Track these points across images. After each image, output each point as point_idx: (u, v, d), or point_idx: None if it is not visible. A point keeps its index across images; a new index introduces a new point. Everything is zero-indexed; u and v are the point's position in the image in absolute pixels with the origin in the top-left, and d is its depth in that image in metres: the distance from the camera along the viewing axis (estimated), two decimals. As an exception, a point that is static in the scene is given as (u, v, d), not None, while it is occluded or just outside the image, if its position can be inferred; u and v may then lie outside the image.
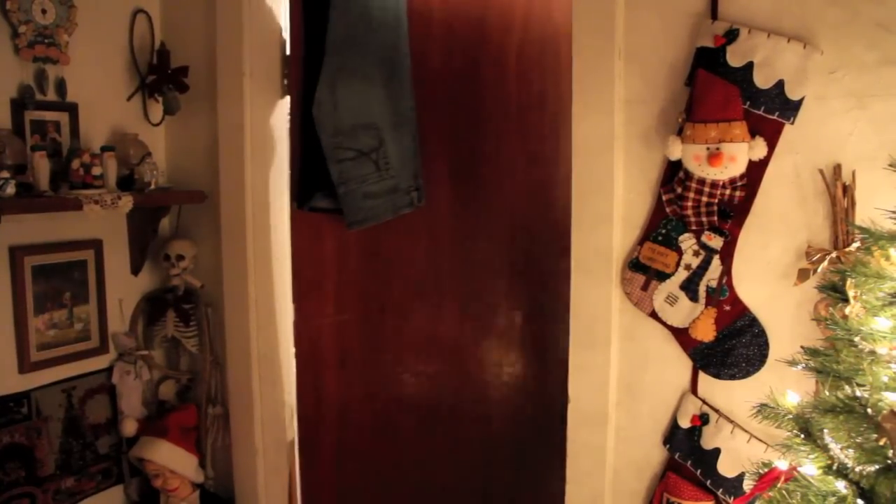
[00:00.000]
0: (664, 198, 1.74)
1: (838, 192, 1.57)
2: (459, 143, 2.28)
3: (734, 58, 1.62)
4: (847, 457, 1.19)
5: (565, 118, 1.89)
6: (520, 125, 2.23)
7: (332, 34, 2.10)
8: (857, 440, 1.17)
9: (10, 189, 1.71)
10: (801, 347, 1.41)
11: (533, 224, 2.26)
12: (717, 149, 1.61)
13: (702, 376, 1.75)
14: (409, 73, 2.17)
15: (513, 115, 2.23)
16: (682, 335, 1.75)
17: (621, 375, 1.84)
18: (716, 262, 1.71)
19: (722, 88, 1.61)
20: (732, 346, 1.69)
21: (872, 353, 1.19)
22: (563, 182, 2.03)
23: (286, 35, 2.28)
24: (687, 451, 1.75)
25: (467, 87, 2.24)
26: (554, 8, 2.17)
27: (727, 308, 1.70)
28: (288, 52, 2.24)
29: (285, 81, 2.27)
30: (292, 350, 2.40)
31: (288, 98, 2.29)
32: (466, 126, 2.26)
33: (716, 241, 1.70)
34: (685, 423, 1.75)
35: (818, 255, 1.59)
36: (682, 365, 1.77)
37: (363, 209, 2.11)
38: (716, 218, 1.69)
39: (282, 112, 2.27)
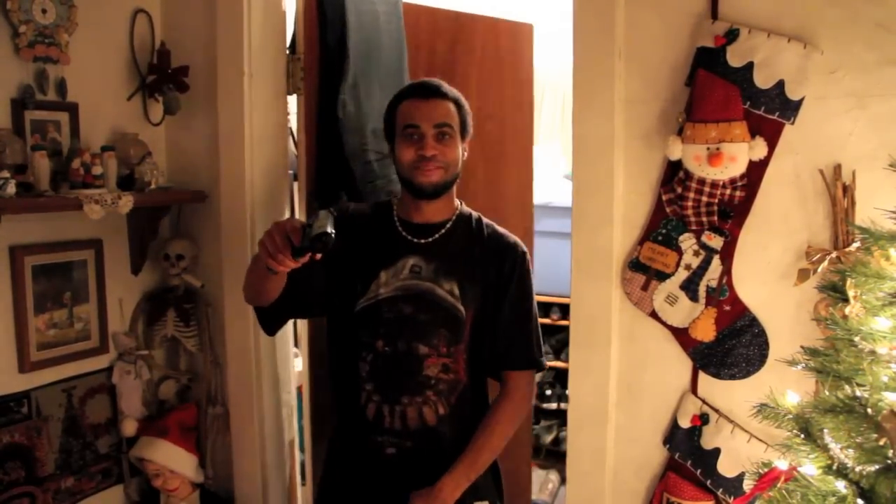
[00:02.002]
0: (664, 198, 1.75)
1: (838, 192, 1.58)
2: None
3: (734, 58, 1.62)
4: (847, 457, 1.19)
5: (509, 126, 2.65)
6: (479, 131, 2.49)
7: (351, 42, 2.21)
8: (857, 440, 1.17)
9: (10, 189, 1.71)
10: (801, 347, 1.41)
11: (490, 216, 2.43)
12: (718, 149, 1.61)
13: (702, 376, 1.75)
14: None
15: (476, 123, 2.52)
16: (682, 335, 1.76)
17: (621, 375, 1.84)
18: (716, 262, 1.71)
19: (722, 88, 1.61)
20: (732, 345, 1.70)
21: (872, 352, 1.19)
22: (509, 178, 2.70)
23: (288, 36, 2.29)
24: (687, 451, 1.75)
25: None
26: (501, 38, 2.67)
27: (727, 308, 1.71)
28: (298, 52, 2.25)
29: (291, 80, 2.27)
30: (293, 350, 2.40)
31: (291, 98, 2.30)
32: None
33: (716, 241, 1.70)
34: (685, 423, 1.75)
35: (818, 255, 1.59)
36: (682, 365, 1.77)
37: None
38: (716, 218, 1.69)
39: (282, 112, 2.27)
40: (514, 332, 1.80)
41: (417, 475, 1.71)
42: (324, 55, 2.26)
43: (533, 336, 1.82)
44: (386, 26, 2.32)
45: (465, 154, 1.80)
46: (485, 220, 1.87)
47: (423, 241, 1.76)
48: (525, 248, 1.84)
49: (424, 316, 1.71)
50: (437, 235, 1.77)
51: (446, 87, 1.79)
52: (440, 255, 1.75)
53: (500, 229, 1.88)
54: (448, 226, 1.79)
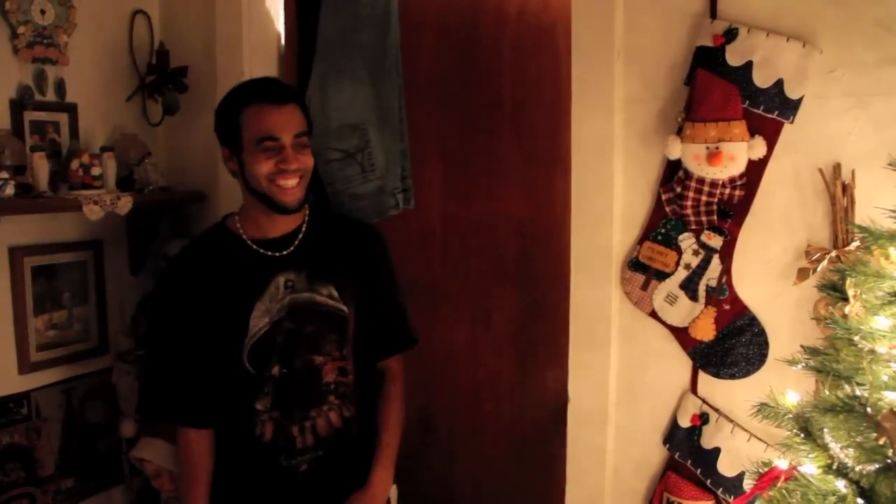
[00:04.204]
0: (664, 197, 1.75)
1: (838, 191, 1.58)
2: (452, 143, 2.24)
3: (733, 57, 1.62)
4: (847, 456, 1.19)
5: (564, 113, 1.88)
6: (515, 123, 2.19)
7: (323, 34, 2.11)
8: (857, 439, 1.17)
9: (10, 190, 1.71)
10: (801, 346, 1.41)
11: (529, 224, 2.20)
12: (717, 148, 1.61)
13: (702, 376, 1.75)
14: (398, 71, 2.13)
15: (507, 110, 2.19)
16: (681, 334, 1.76)
17: (621, 375, 1.84)
18: (715, 261, 1.71)
19: (721, 88, 1.61)
20: (732, 345, 1.70)
21: (872, 352, 1.19)
22: (561, 179, 2.04)
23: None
24: (687, 451, 1.75)
25: (461, 83, 2.21)
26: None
27: (727, 307, 1.71)
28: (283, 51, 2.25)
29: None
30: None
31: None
32: (459, 124, 2.23)
33: (715, 241, 1.70)
34: (685, 423, 1.75)
35: (818, 255, 1.59)
36: (681, 364, 1.77)
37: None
38: (715, 217, 1.69)
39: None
40: (390, 318, 1.79)
41: (330, 484, 1.69)
42: (300, 50, 2.22)
43: (405, 315, 1.83)
44: (369, 11, 2.10)
45: None
46: (332, 210, 1.81)
47: (285, 253, 1.66)
48: (381, 233, 1.81)
49: (311, 327, 1.65)
50: (296, 243, 1.67)
51: (290, 86, 1.67)
52: (308, 262, 1.66)
53: (353, 218, 1.83)
54: (304, 229, 1.69)
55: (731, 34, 1.62)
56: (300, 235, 1.68)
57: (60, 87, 1.96)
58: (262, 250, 1.66)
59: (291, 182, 1.59)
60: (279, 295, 1.64)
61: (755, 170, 1.64)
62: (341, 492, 1.70)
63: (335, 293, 1.67)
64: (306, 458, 1.67)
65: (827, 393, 1.26)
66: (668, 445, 1.79)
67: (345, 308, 1.68)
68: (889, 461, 1.13)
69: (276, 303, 1.63)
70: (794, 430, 1.30)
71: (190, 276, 1.68)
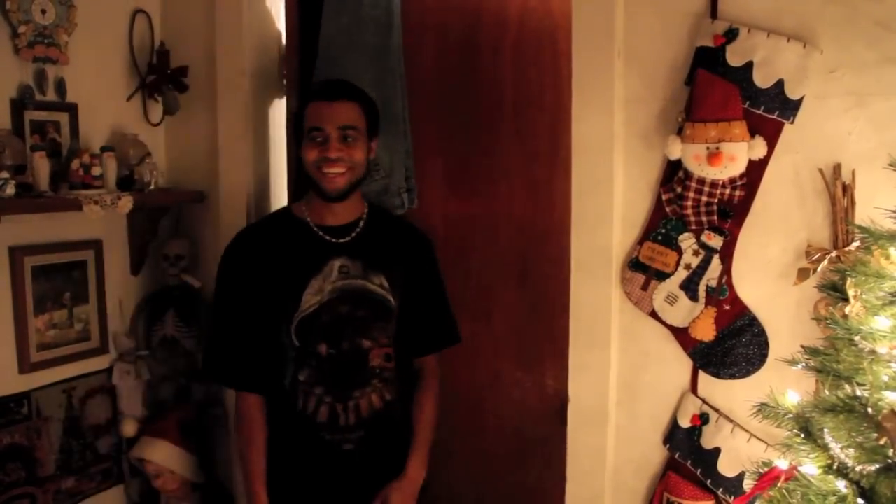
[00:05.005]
0: (664, 197, 1.75)
1: (838, 191, 1.58)
2: (453, 143, 2.22)
3: (734, 57, 1.62)
4: (847, 456, 1.19)
5: (564, 113, 1.89)
6: (517, 122, 2.17)
7: (325, 34, 2.11)
8: (858, 439, 1.17)
9: (10, 189, 1.71)
10: (801, 347, 1.41)
11: (530, 224, 2.18)
12: (717, 148, 1.61)
13: (702, 376, 1.75)
14: (400, 72, 2.13)
15: (508, 111, 2.16)
16: (681, 335, 1.76)
17: (621, 375, 1.84)
18: (715, 261, 1.71)
19: (721, 88, 1.61)
20: (732, 345, 1.70)
21: (872, 352, 1.20)
22: (561, 179, 2.00)
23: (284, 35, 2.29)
24: (687, 451, 1.75)
25: (462, 83, 2.19)
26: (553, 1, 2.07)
27: (727, 307, 1.71)
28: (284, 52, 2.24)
29: (284, 82, 2.27)
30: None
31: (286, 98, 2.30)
32: (461, 124, 2.21)
33: (715, 241, 1.70)
34: (685, 423, 1.75)
35: (818, 255, 1.59)
36: (681, 364, 1.77)
37: None
38: (715, 217, 1.69)
39: (281, 112, 2.27)
40: (434, 318, 1.93)
41: (376, 463, 1.79)
42: (301, 50, 2.21)
43: (450, 315, 1.96)
44: (371, 12, 2.10)
45: (372, 153, 1.83)
46: (390, 213, 1.97)
47: (342, 240, 1.80)
48: (431, 239, 1.96)
49: (362, 312, 1.77)
50: (354, 234, 1.81)
51: (352, 86, 1.80)
52: (363, 252, 1.80)
53: (407, 221, 1.98)
54: (362, 223, 1.83)
55: (731, 34, 1.62)
56: (358, 228, 1.82)
57: (61, 86, 1.96)
58: (321, 234, 1.80)
59: (335, 170, 1.72)
60: (332, 277, 1.76)
61: (755, 170, 1.64)
62: (383, 475, 1.80)
63: (386, 284, 1.80)
64: (350, 437, 1.77)
65: (827, 393, 1.26)
66: (668, 445, 1.79)
67: (392, 299, 1.80)
68: (889, 461, 1.14)
69: (329, 284, 1.75)
70: (795, 431, 1.31)
71: (253, 248, 1.81)
